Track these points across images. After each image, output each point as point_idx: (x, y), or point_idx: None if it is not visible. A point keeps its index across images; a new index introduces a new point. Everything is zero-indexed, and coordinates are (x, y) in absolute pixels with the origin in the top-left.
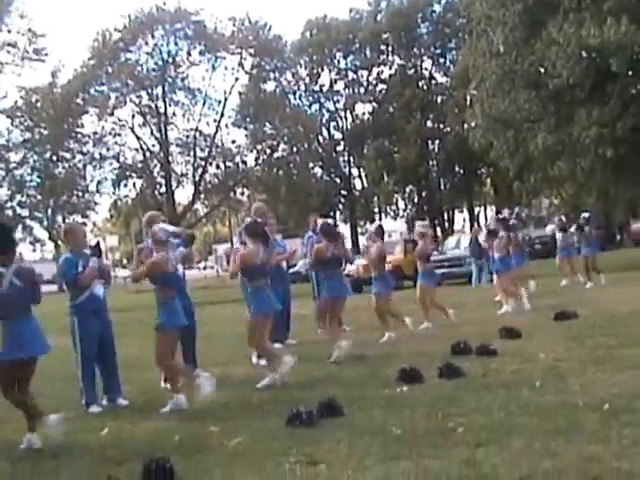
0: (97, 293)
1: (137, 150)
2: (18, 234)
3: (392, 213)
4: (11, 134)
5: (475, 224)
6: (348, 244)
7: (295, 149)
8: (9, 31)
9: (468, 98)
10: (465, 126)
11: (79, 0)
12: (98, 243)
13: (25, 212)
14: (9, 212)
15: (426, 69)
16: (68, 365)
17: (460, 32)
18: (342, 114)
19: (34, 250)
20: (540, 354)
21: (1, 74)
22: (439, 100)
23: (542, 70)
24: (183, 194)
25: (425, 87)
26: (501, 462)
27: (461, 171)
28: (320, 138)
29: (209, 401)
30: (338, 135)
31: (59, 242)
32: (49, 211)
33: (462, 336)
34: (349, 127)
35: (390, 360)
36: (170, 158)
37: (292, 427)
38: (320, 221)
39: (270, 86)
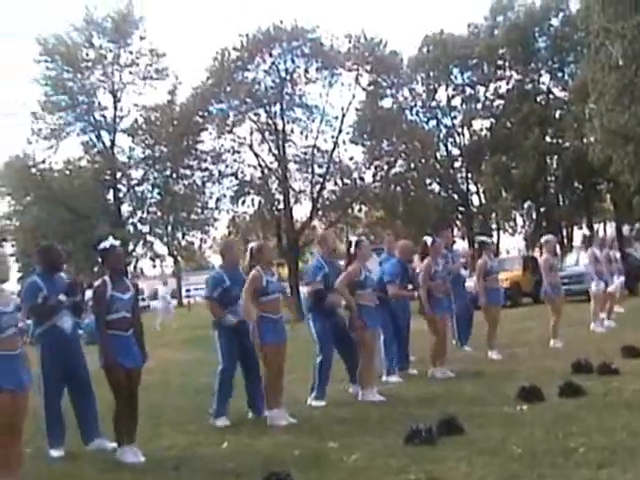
0: (238, 312)
1: (255, 167)
2: (139, 250)
3: (510, 229)
4: (132, 152)
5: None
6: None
7: (412, 165)
8: (131, 52)
9: (587, 112)
10: (584, 141)
11: (196, 19)
12: None
13: (146, 228)
14: (130, 228)
15: (544, 83)
16: (193, 377)
17: (578, 46)
18: (459, 130)
19: (154, 266)
20: None
21: (123, 93)
22: (557, 115)
23: None
24: (301, 210)
25: (543, 102)
26: None
27: (580, 186)
28: (437, 154)
29: (329, 417)
30: (455, 151)
31: (178, 258)
32: (169, 227)
33: (582, 354)
34: (466, 143)
35: (510, 377)
36: (288, 175)
37: (411, 444)
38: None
39: (387, 102)
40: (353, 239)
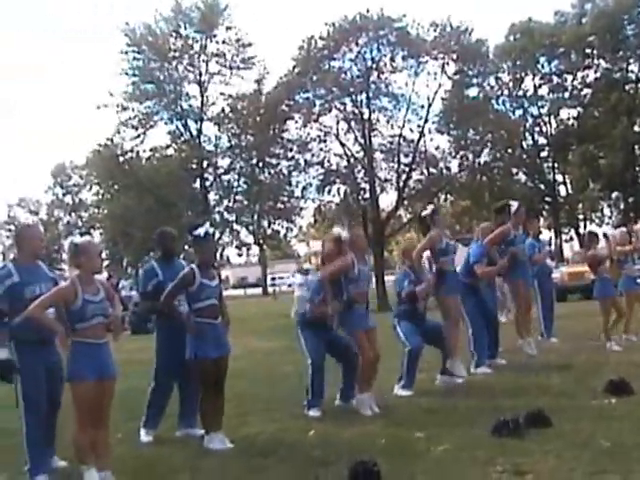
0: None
1: (341, 156)
2: (225, 238)
3: (597, 220)
4: (219, 140)
5: None
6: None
7: (499, 155)
8: (217, 42)
9: None
10: None
11: (282, 9)
12: None
13: (232, 217)
14: (216, 216)
15: (632, 72)
16: (278, 365)
17: None
18: (546, 119)
19: (240, 254)
20: None
21: (210, 83)
22: None
23: None
24: (387, 200)
25: (632, 90)
26: None
27: None
28: (524, 144)
29: (416, 407)
30: (542, 141)
31: (264, 246)
32: (255, 216)
33: None
34: (553, 132)
35: (598, 370)
36: (374, 164)
37: (498, 436)
38: None
39: (473, 91)
40: (428, 210)
